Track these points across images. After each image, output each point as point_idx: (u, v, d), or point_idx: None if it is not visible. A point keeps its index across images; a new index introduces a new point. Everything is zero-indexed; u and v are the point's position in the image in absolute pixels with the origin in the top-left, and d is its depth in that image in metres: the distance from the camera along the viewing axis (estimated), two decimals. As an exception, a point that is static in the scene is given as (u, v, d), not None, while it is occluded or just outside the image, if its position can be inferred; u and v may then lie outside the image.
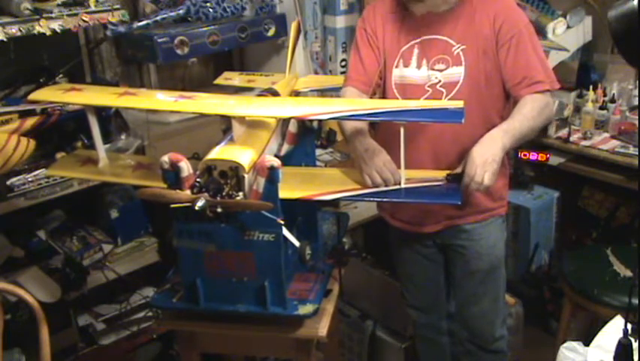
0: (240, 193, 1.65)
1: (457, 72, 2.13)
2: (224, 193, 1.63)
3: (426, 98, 2.14)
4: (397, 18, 2.21)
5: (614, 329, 1.78)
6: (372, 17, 2.26)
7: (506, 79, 2.13)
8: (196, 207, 1.58)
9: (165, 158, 1.68)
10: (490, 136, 2.01)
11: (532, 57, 2.11)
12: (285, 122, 1.94)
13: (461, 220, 2.28)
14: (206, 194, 1.61)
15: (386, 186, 1.91)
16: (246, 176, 1.64)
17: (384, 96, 2.26)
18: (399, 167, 1.89)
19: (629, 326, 1.49)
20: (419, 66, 2.17)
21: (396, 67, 2.20)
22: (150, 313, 2.71)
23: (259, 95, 2.02)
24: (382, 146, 2.07)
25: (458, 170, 1.95)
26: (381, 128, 2.29)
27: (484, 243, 2.31)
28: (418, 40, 2.17)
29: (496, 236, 2.33)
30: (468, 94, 2.11)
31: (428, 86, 2.15)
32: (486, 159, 1.93)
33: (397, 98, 2.20)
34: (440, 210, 2.26)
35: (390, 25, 2.22)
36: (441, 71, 2.14)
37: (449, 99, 2.12)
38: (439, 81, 2.14)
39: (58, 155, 2.36)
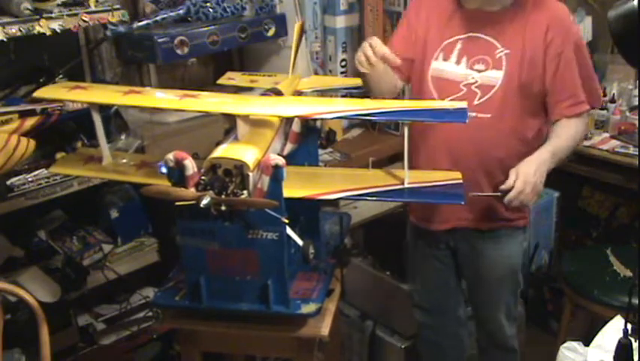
0: (245, 192, 1.65)
1: (496, 76, 2.10)
2: (228, 191, 1.63)
3: (458, 97, 2.11)
4: (446, 10, 2.19)
5: (614, 329, 1.79)
6: (424, 4, 2.25)
7: (550, 93, 2.10)
8: (201, 205, 1.58)
9: (170, 156, 1.68)
10: (540, 158, 2.03)
11: (580, 75, 2.08)
12: (288, 121, 1.94)
13: (475, 224, 2.26)
14: (210, 192, 1.61)
15: (367, 61, 1.98)
16: (250, 174, 1.64)
17: (419, 87, 2.24)
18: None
19: (629, 326, 1.49)
20: (458, 62, 2.14)
21: (436, 59, 2.18)
22: (150, 314, 2.70)
23: (263, 95, 2.03)
24: (421, 151, 2.16)
25: (508, 185, 1.98)
26: (421, 132, 2.27)
27: (498, 252, 2.29)
28: (463, 36, 2.15)
29: (512, 247, 2.31)
30: (502, 100, 2.09)
31: (463, 85, 2.13)
32: (535, 181, 1.98)
33: (431, 92, 2.19)
34: (455, 210, 2.24)
35: (437, 16, 2.20)
36: (479, 71, 2.12)
37: (482, 102, 2.10)
38: (476, 82, 2.11)
39: (58, 155, 2.35)
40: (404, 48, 2.26)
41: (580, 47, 2.11)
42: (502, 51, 2.10)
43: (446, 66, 2.17)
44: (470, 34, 2.14)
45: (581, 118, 2.14)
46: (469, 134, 2.12)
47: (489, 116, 2.10)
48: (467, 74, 2.13)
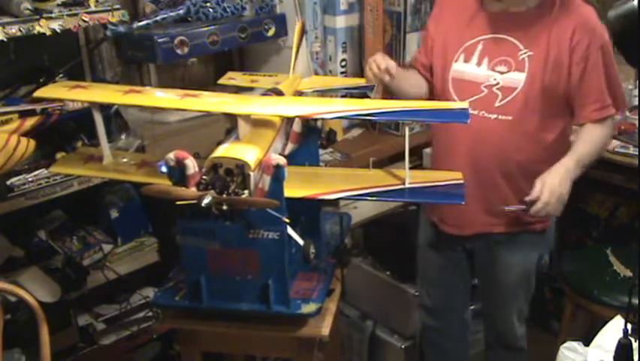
0: (246, 191, 1.65)
1: (518, 78, 2.08)
2: (229, 191, 1.63)
3: (479, 99, 2.12)
4: (468, 12, 2.19)
5: (614, 329, 1.80)
6: (444, 10, 2.28)
7: (576, 97, 2.09)
8: (202, 204, 1.58)
9: (171, 155, 1.68)
10: (564, 167, 2.03)
11: (605, 79, 2.06)
12: (289, 121, 1.94)
13: (494, 228, 2.26)
14: (212, 191, 1.61)
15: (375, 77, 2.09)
16: (251, 174, 1.64)
17: (442, 90, 2.25)
18: (431, 165, 1.92)
19: (629, 326, 1.50)
20: (479, 64, 2.13)
21: (456, 61, 2.18)
22: (150, 314, 2.70)
23: (264, 95, 2.02)
24: (440, 153, 2.22)
25: (534, 196, 2.01)
26: (440, 134, 2.31)
27: (514, 256, 2.29)
28: (485, 37, 2.14)
29: (528, 251, 2.31)
30: (523, 103, 2.08)
31: (484, 87, 2.12)
32: (561, 191, 2.00)
33: (451, 94, 2.19)
34: (473, 214, 2.24)
35: (457, 19, 2.20)
36: (501, 73, 2.10)
37: (503, 105, 2.10)
38: (497, 83, 2.10)
39: (58, 155, 2.35)
40: (427, 58, 2.31)
41: (606, 50, 2.07)
42: (525, 53, 2.08)
43: (467, 68, 2.16)
44: (493, 35, 2.13)
45: (607, 122, 2.12)
46: (489, 136, 2.12)
47: (510, 118, 2.11)
48: (489, 75, 2.12)
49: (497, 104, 2.11)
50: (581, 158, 2.07)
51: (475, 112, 2.13)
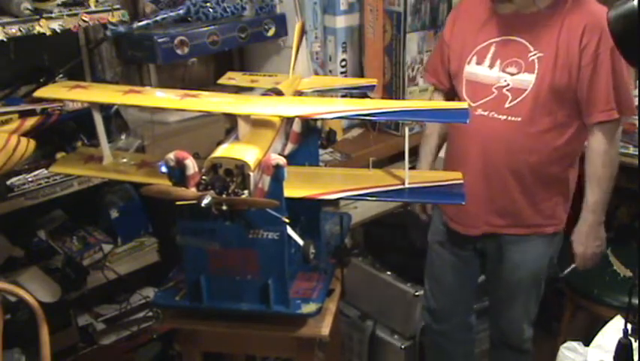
0: (245, 191, 1.64)
1: (527, 80, 2.09)
2: (229, 191, 1.63)
3: (490, 100, 2.13)
4: (481, 17, 2.19)
5: (614, 329, 1.80)
6: (459, 16, 2.30)
7: (583, 98, 2.08)
8: (202, 205, 1.57)
9: (171, 155, 1.68)
10: (587, 225, 2.18)
11: (613, 82, 2.04)
12: (289, 121, 1.94)
13: (504, 229, 2.27)
14: (211, 191, 1.61)
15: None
16: (251, 174, 1.64)
17: (456, 91, 2.28)
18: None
19: (629, 326, 1.49)
20: (492, 66, 2.14)
21: (469, 64, 2.19)
22: (150, 314, 2.70)
23: (264, 95, 2.02)
24: (454, 154, 2.27)
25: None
26: (454, 136, 2.33)
27: (523, 257, 2.30)
28: (497, 39, 2.14)
29: (538, 254, 2.31)
30: (533, 104, 2.08)
31: (495, 88, 2.12)
32: (593, 252, 2.19)
33: (464, 95, 2.21)
34: (482, 214, 2.26)
35: (470, 24, 2.21)
36: (512, 74, 2.10)
37: (512, 106, 2.11)
38: (507, 85, 2.11)
39: (58, 155, 2.35)
40: (443, 67, 2.34)
41: (617, 52, 2.07)
42: (535, 54, 2.08)
43: (479, 70, 2.17)
44: (504, 37, 2.13)
45: (610, 129, 2.11)
46: (499, 137, 2.13)
47: (519, 119, 2.11)
48: (499, 76, 2.12)
49: (507, 105, 2.12)
50: (598, 203, 2.17)
51: (485, 113, 2.14)
